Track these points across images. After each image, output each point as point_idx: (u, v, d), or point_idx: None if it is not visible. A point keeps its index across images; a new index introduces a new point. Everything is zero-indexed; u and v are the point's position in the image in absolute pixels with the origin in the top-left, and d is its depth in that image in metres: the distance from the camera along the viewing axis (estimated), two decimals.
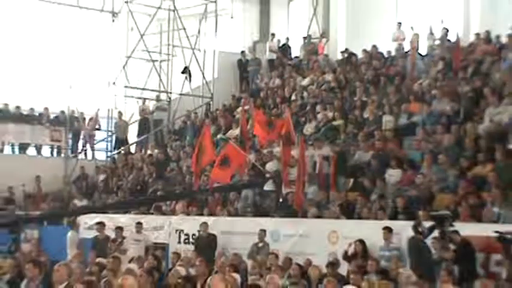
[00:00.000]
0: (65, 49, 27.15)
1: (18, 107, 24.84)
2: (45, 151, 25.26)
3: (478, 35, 21.90)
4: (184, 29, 26.67)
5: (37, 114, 25.29)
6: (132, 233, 18.12)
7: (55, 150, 25.14)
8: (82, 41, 27.40)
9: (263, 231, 16.34)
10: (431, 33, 23.27)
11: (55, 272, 9.15)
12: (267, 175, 19.19)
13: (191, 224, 18.53)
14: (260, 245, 16.21)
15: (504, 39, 20.89)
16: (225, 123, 23.11)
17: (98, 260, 14.00)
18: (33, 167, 23.88)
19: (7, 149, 24.56)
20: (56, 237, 19.37)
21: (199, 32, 27.34)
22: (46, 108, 25.33)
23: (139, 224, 18.22)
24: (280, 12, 29.62)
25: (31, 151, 25.23)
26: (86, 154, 25.77)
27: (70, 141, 24.97)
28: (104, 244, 17.34)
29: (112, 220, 19.56)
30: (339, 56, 25.33)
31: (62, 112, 25.54)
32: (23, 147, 24.59)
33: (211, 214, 18.92)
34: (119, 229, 17.88)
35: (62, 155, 25.13)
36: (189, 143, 23.15)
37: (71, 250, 17.56)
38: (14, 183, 22.59)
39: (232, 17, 28.11)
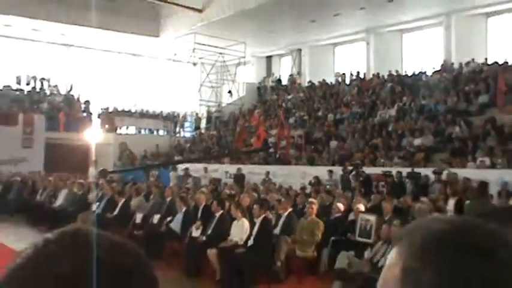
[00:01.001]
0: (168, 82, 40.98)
1: (147, 110, 37.95)
2: (161, 132, 37.31)
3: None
4: (228, 70, 38.67)
5: (157, 113, 38.19)
6: (203, 173, 26.11)
7: (165, 132, 37.15)
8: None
9: (268, 172, 23.40)
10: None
11: (167, 190, 15.25)
12: (270, 145, 27.29)
13: (232, 168, 25.84)
14: (266, 179, 22.79)
15: None
16: (248, 118, 33.24)
17: (187, 186, 20.42)
18: (155, 140, 35.91)
19: (143, 132, 36.78)
20: (165, 175, 26.65)
21: (235, 72, 39.44)
22: (161, 111, 38.41)
23: (205, 168, 26.68)
24: (276, 63, 40.09)
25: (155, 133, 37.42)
26: (179, 134, 38.24)
27: (172, 127, 37.47)
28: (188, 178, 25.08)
29: (193, 166, 27.01)
30: (306, 84, 35.33)
31: (169, 113, 38.73)
32: (151, 131, 37.16)
33: (243, 163, 26.54)
34: (186, 169, 26.09)
35: (168, 133, 37.00)
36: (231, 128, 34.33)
37: (172, 181, 24.14)
38: (147, 147, 34.28)
39: (252, 65, 39.78)
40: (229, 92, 38.88)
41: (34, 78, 35.37)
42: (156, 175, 26.57)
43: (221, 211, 11.73)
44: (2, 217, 19.21)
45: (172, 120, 38.34)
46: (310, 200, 12.45)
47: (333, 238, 11.16)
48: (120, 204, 15.12)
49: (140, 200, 15.69)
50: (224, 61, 37.68)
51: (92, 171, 23.80)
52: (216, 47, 35.16)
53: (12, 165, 28.73)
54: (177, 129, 38.52)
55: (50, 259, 0.86)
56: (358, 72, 32.68)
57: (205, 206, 12.82)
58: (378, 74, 30.63)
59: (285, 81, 37.99)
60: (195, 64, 38.55)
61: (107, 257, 0.88)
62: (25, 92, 34.70)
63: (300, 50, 36.68)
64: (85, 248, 0.88)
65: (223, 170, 26.66)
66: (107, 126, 34.48)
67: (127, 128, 36.56)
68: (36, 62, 36.63)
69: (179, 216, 12.82)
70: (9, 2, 30.07)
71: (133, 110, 37.86)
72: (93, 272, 0.83)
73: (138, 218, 14.07)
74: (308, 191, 18.11)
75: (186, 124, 39.45)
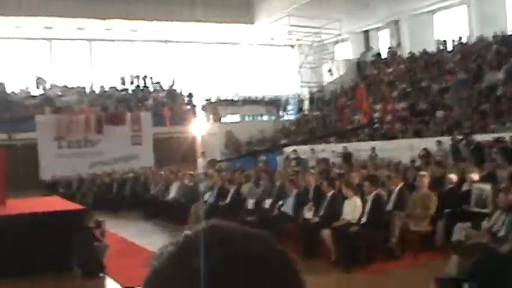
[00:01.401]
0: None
1: (249, 97, 38.59)
2: (264, 117, 37.79)
3: None
4: (326, 49, 39.06)
5: (259, 99, 38.70)
6: (310, 154, 26.07)
7: (269, 117, 37.64)
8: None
9: (373, 148, 23.28)
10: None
11: (276, 174, 15.58)
12: (375, 120, 27.18)
13: (339, 147, 25.85)
14: (373, 155, 22.88)
15: None
16: (351, 95, 33.00)
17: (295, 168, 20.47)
18: (260, 125, 35.71)
19: (247, 118, 37.20)
20: (273, 159, 27.37)
21: (333, 51, 39.82)
22: (263, 97, 38.95)
23: (312, 149, 26.47)
24: (373, 37, 39.01)
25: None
26: (283, 117, 38.47)
27: (275, 111, 37.98)
28: (297, 161, 24.97)
29: (300, 148, 26.99)
30: (407, 55, 33.74)
31: (271, 97, 39.26)
32: (255, 116, 37.52)
33: (348, 141, 26.67)
34: (294, 152, 25.91)
35: (272, 117, 37.62)
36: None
37: (280, 165, 25.01)
38: (252, 134, 34.37)
39: (350, 41, 39.11)
40: (329, 70, 38.63)
41: (137, 77, 36.40)
42: (263, 160, 26.82)
43: (332, 191, 11.72)
44: (120, 213, 20.06)
45: (275, 104, 38.69)
46: (421, 173, 12.26)
47: (447, 210, 10.98)
48: (231, 192, 15.40)
49: (250, 186, 15.91)
50: (321, 40, 37.66)
51: (201, 162, 24.33)
52: (311, 27, 35.07)
53: (125, 162, 30.04)
54: (281, 112, 38.88)
55: (193, 256, 0.88)
56: (460, 38, 31.48)
57: (315, 187, 12.87)
58: (482, 36, 29.44)
59: (384, 55, 37.42)
60: (292, 46, 38.92)
61: (246, 250, 0.90)
62: (130, 91, 35.86)
63: (397, 21, 35.85)
64: (216, 242, 0.90)
65: (330, 150, 26.56)
66: (211, 116, 35.14)
67: (231, 116, 37.03)
68: (137, 61, 37.66)
69: (290, 199, 12.94)
70: (109, 6, 31.40)
71: (235, 98, 38.47)
72: (235, 266, 0.86)
73: (250, 204, 14.31)
74: (417, 164, 17.79)
75: (289, 107, 39.56)
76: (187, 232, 0.95)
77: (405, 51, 34.74)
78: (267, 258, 0.89)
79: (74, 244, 10.33)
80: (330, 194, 11.70)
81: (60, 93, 33.93)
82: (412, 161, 18.64)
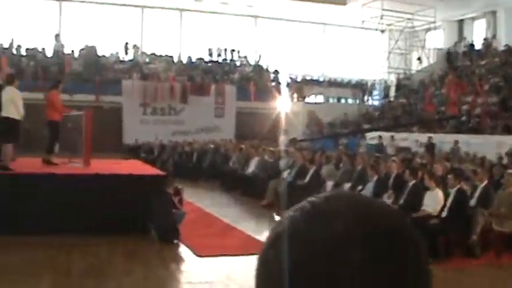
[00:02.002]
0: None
1: (335, 79, 38.60)
2: (349, 101, 37.61)
3: None
4: (417, 36, 38.28)
5: (345, 82, 38.46)
6: (389, 141, 25.22)
7: (353, 100, 37.32)
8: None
9: (456, 141, 22.61)
10: None
11: (357, 158, 15.31)
12: (463, 113, 26.81)
13: (422, 137, 25.08)
14: (455, 148, 22.24)
15: None
16: (439, 85, 32.68)
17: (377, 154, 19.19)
18: (344, 108, 35.73)
19: (331, 100, 37.30)
20: (354, 143, 27.00)
21: (425, 38, 39.00)
22: (349, 80, 38.75)
23: (392, 136, 25.73)
24: (468, 26, 38.05)
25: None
26: (368, 102, 38.43)
27: (360, 95, 37.71)
28: (379, 146, 24.12)
29: (382, 135, 26.27)
30: (502, 48, 33.16)
31: (357, 81, 38.85)
32: (339, 99, 37.55)
33: (434, 132, 25.82)
34: (379, 138, 25.25)
35: (357, 101, 37.45)
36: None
37: (361, 149, 23.34)
38: (335, 116, 34.39)
39: (443, 29, 38.10)
40: (419, 58, 38.12)
41: (225, 50, 36.61)
42: (344, 143, 26.74)
43: (414, 180, 11.44)
44: (198, 183, 20.30)
45: (360, 88, 38.35)
46: (509, 171, 11.78)
47: None
48: (310, 172, 15.30)
49: (330, 168, 15.78)
50: (413, 27, 37.05)
51: (282, 140, 24.31)
52: (404, 12, 34.46)
53: (206, 133, 30.33)
54: (366, 97, 38.60)
55: (321, 220, 0.83)
56: None
57: (397, 175, 12.60)
58: None
59: (478, 46, 36.41)
60: (383, 31, 38.19)
61: (376, 219, 0.84)
62: (216, 64, 36.07)
63: (494, 12, 34.81)
64: (355, 210, 0.85)
65: (413, 139, 26.11)
66: (295, 95, 35.12)
67: (315, 96, 36.89)
68: (226, 34, 37.86)
69: (370, 185, 12.77)
70: None
71: (321, 79, 38.40)
72: (364, 233, 0.81)
73: (329, 186, 14.21)
74: (505, 161, 17.29)
75: (375, 92, 39.27)
76: (312, 198, 0.90)
77: (501, 44, 33.73)
78: (401, 232, 0.85)
79: (152, 208, 10.50)
80: (411, 183, 11.43)
81: (148, 60, 34.54)
82: (500, 158, 18.11)
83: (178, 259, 9.61)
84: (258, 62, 37.10)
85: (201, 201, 15.70)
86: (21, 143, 12.33)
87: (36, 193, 10.57)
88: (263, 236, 11.03)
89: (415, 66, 38.81)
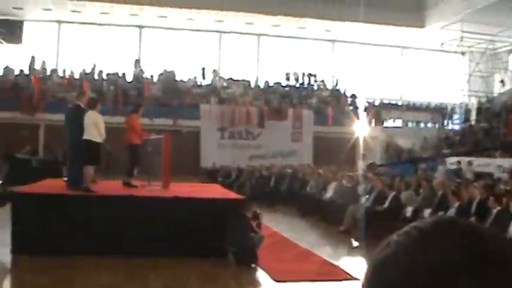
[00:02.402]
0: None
1: (414, 103, 37.62)
2: (428, 125, 36.63)
3: None
4: (500, 58, 37.39)
5: (424, 105, 37.57)
6: (467, 166, 24.19)
7: (433, 124, 36.38)
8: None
9: None
10: None
11: (437, 183, 15.07)
12: None
13: (506, 162, 23.90)
14: None
15: None
16: None
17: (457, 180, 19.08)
18: (423, 132, 35.03)
19: (410, 124, 36.24)
20: (434, 168, 25.97)
21: (508, 60, 37.60)
22: (428, 103, 37.83)
23: (469, 161, 24.67)
24: None
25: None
26: (448, 126, 37.21)
27: (440, 119, 36.53)
28: (458, 172, 23.16)
29: (462, 159, 25.20)
30: None
31: (436, 105, 37.92)
32: (418, 123, 36.47)
33: None
34: (458, 163, 24.43)
35: (436, 125, 36.54)
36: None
37: (441, 175, 22.17)
38: (414, 140, 33.72)
39: None
40: (501, 81, 36.98)
41: (302, 74, 36.67)
42: (424, 168, 26.18)
43: (498, 207, 11.10)
44: (275, 207, 20.26)
45: (440, 112, 37.49)
46: None
47: None
48: (389, 198, 15.05)
49: (410, 193, 15.46)
50: (495, 48, 36.15)
51: (361, 165, 24.02)
52: (485, 34, 33.61)
53: (283, 157, 30.40)
54: (445, 121, 37.71)
55: (431, 247, 0.81)
56: None
57: (479, 201, 12.23)
58: None
59: None
60: (463, 53, 37.21)
61: (492, 248, 0.81)
62: (294, 88, 36.11)
63: None
64: (467, 237, 0.82)
65: (496, 164, 24.93)
66: (373, 119, 34.77)
67: (394, 121, 36.42)
68: (303, 58, 37.91)
69: (452, 211, 12.43)
70: (279, 2, 31.94)
71: (399, 103, 37.87)
72: (479, 261, 0.78)
73: (408, 211, 13.92)
74: None
75: (455, 116, 38.34)
76: (417, 223, 0.88)
77: None
78: None
79: (230, 232, 10.52)
80: (496, 210, 11.10)
81: (225, 84, 34.97)
82: None
83: (255, 283, 9.59)
84: (335, 86, 36.98)
85: (278, 225, 15.65)
86: (102, 166, 12.59)
87: (116, 215, 10.79)
88: (341, 261, 10.95)
89: (497, 89, 37.72)
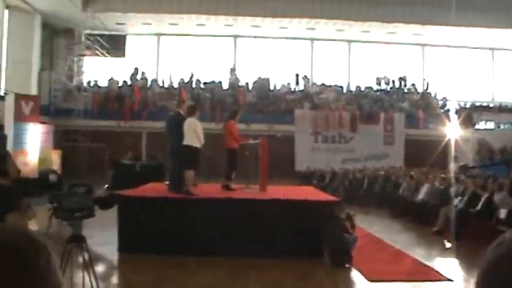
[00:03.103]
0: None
1: (506, 105, 36.22)
2: None
3: None
4: None
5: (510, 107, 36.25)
6: None
7: None
8: None
9: None
10: None
11: None
12: None
13: None
14: None
15: None
16: None
17: None
18: None
19: (502, 126, 34.33)
20: None
21: None
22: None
23: None
24: None
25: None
26: None
27: None
28: None
29: None
30: None
31: None
32: (510, 124, 34.25)
33: None
34: None
35: None
36: None
37: None
38: (507, 142, 31.08)
39: None
40: None
41: (393, 80, 36.36)
42: None
43: None
44: (368, 209, 20.16)
45: None
46: None
47: None
48: (482, 199, 14.71)
49: (503, 195, 15.03)
50: None
51: (453, 167, 23.56)
52: None
53: (376, 160, 30.21)
54: None
55: None
56: None
57: None
58: None
59: None
60: None
61: None
62: (385, 92, 35.77)
63: None
64: None
65: None
66: (464, 122, 33.86)
67: (485, 123, 35.21)
68: (393, 63, 37.65)
69: None
70: (368, 8, 32.13)
71: (491, 105, 36.70)
72: None
73: (502, 213, 13.56)
74: None
75: None
76: None
77: None
78: None
79: (325, 233, 10.60)
80: None
81: (318, 90, 35.06)
82: None
83: (350, 283, 9.60)
84: (426, 89, 36.41)
85: (371, 227, 15.61)
86: (203, 170, 12.88)
87: (216, 217, 11.04)
88: (434, 262, 10.82)
89: None
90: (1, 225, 1.09)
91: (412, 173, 21.16)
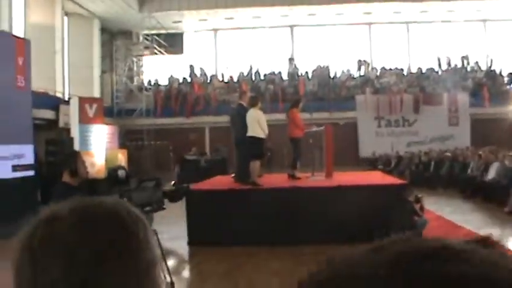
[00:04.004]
0: None
1: None
2: None
3: None
4: None
5: None
6: None
7: None
8: None
9: None
10: None
11: None
12: None
13: None
14: None
15: None
16: None
17: None
18: None
19: None
20: None
21: None
22: None
23: None
24: None
25: None
26: None
27: None
28: None
29: None
30: None
31: None
32: None
33: None
34: None
35: None
36: None
37: None
38: None
39: None
40: None
41: (454, 58, 35.65)
42: None
43: None
44: (436, 191, 19.91)
45: None
46: None
47: None
48: None
49: None
50: None
51: None
52: None
53: (441, 142, 29.81)
54: None
55: None
56: None
57: None
58: None
59: None
60: None
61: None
62: (447, 72, 35.09)
63: None
64: None
65: None
66: None
67: None
68: (454, 41, 36.81)
69: None
70: None
71: None
72: None
73: None
74: None
75: None
76: None
77: None
78: None
79: (395, 216, 10.51)
80: None
81: (379, 74, 34.75)
82: None
83: None
84: (490, 66, 35.39)
85: (441, 209, 15.41)
86: (264, 161, 12.93)
87: (283, 206, 11.08)
88: (510, 242, 10.58)
89: None
90: (103, 198, 1.14)
91: (480, 152, 20.72)
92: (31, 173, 16.03)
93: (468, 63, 35.85)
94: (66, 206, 1.09)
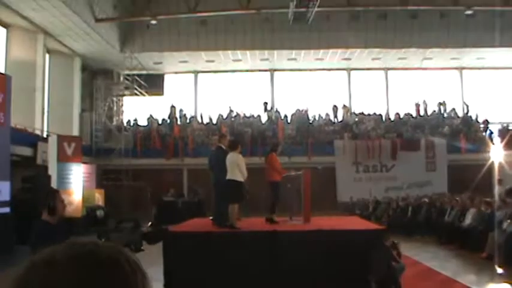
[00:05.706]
0: None
1: None
2: None
3: None
4: None
5: None
6: None
7: None
8: None
9: None
10: None
11: None
12: None
13: None
14: None
15: None
16: None
17: None
18: None
19: None
20: None
21: None
22: None
23: None
24: None
25: None
26: None
27: None
28: None
29: None
30: None
31: None
32: None
33: None
34: None
35: None
36: None
37: None
38: None
39: None
40: None
41: (431, 104, 36.05)
42: None
43: None
44: (413, 237, 19.94)
45: None
46: None
47: None
48: None
49: None
50: None
51: (498, 190, 23.25)
52: None
53: (419, 187, 29.94)
54: None
55: None
56: None
57: None
58: None
59: None
60: None
61: None
62: (425, 118, 35.51)
63: None
64: None
65: None
66: (508, 143, 33.33)
67: None
68: (431, 88, 37.34)
69: None
70: (404, 36, 32.01)
71: None
72: None
73: None
74: None
75: None
76: None
77: None
78: None
79: (372, 261, 10.49)
80: None
81: (357, 119, 35.04)
82: None
83: None
84: (466, 113, 35.92)
85: (418, 254, 15.50)
86: (241, 205, 12.90)
87: (262, 250, 10.97)
88: None
89: None
90: (99, 242, 1.14)
91: (457, 198, 20.84)
92: (7, 209, 15.86)
93: (445, 110, 36.28)
94: (63, 251, 1.09)
